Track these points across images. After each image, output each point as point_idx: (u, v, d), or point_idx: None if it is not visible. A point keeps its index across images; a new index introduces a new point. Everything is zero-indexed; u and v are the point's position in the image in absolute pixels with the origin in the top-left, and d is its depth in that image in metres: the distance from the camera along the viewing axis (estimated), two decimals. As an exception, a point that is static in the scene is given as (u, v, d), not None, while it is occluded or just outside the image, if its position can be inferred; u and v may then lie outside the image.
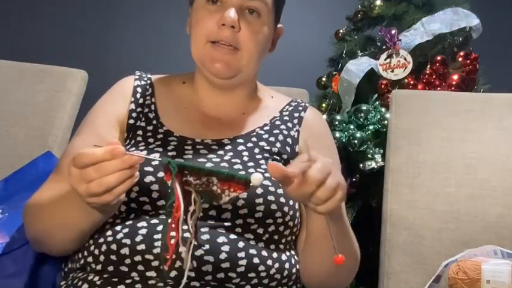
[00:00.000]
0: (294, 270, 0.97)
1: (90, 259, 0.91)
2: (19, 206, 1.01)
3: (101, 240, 0.91)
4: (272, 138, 1.06)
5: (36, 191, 0.99)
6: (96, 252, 0.91)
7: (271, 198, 0.95)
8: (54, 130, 1.43)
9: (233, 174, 0.75)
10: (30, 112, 1.44)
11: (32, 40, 2.86)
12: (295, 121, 1.12)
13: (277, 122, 1.10)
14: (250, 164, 0.99)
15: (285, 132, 1.09)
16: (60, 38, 2.90)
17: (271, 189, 0.96)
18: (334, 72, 2.07)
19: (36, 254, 0.99)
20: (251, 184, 0.74)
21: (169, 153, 0.98)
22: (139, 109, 1.06)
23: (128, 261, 0.88)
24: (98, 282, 0.88)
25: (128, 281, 0.87)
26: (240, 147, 1.02)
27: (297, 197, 0.77)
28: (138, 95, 1.08)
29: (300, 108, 1.15)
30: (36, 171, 1.12)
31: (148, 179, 0.93)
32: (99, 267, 0.90)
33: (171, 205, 0.73)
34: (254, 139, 1.05)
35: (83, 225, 0.89)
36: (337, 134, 1.79)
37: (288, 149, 1.07)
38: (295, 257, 1.00)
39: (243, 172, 0.96)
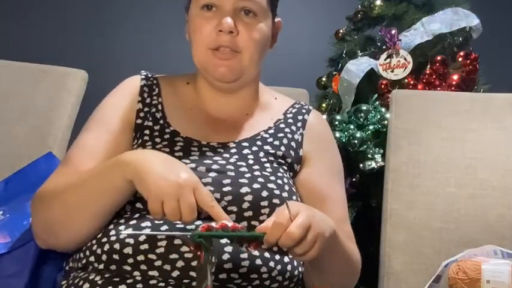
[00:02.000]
0: (296, 273, 0.97)
1: (92, 258, 0.91)
2: (21, 207, 1.01)
3: (104, 239, 0.91)
4: (277, 142, 1.07)
5: (46, 182, 0.99)
6: (99, 251, 0.91)
7: (276, 201, 0.95)
8: (54, 130, 1.43)
9: (250, 236, 0.80)
10: (30, 112, 1.44)
11: (32, 40, 2.86)
12: (299, 124, 1.12)
13: (282, 125, 1.11)
14: (256, 167, 1.00)
15: (289, 135, 1.09)
16: (60, 38, 2.90)
17: (277, 192, 0.96)
18: (334, 72, 2.07)
19: (36, 254, 0.98)
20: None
21: (176, 154, 0.99)
22: (146, 109, 1.07)
23: (130, 260, 0.88)
24: (99, 282, 0.88)
25: (129, 281, 0.87)
26: (245, 151, 1.03)
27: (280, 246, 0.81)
28: (146, 95, 1.09)
29: (304, 111, 1.16)
30: (38, 173, 1.12)
31: None
32: (101, 266, 0.90)
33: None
34: (259, 143, 1.06)
35: (105, 201, 0.91)
36: (337, 134, 1.79)
37: (292, 152, 1.07)
38: None
39: (248, 175, 0.97)
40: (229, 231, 0.79)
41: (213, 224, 0.79)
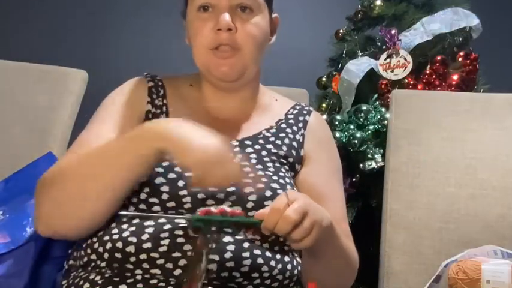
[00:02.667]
0: (295, 272, 0.98)
1: (93, 256, 0.92)
2: (21, 207, 1.01)
3: (106, 238, 0.91)
4: (279, 142, 1.07)
5: (56, 163, 0.98)
6: (101, 249, 0.91)
7: None
8: (54, 130, 1.43)
9: (247, 222, 0.83)
10: (30, 112, 1.44)
11: (32, 40, 2.86)
12: (300, 125, 1.13)
13: (283, 125, 1.12)
14: (259, 166, 1.00)
15: (291, 136, 1.10)
16: (60, 38, 2.90)
17: (280, 191, 0.97)
18: (334, 72, 2.07)
19: (36, 254, 0.99)
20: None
21: None
22: (154, 110, 1.07)
23: (133, 259, 0.88)
24: (100, 282, 0.88)
25: (129, 281, 0.87)
26: (248, 149, 1.04)
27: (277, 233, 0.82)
28: (154, 96, 1.09)
29: (305, 112, 1.16)
30: (38, 173, 1.11)
31: (159, 180, 0.94)
32: (103, 264, 0.90)
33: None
34: (261, 141, 1.06)
35: (124, 173, 0.89)
36: (337, 134, 1.79)
37: (294, 152, 1.08)
38: (298, 258, 1.01)
39: (252, 175, 0.97)
40: (228, 216, 0.81)
41: (212, 208, 0.80)
